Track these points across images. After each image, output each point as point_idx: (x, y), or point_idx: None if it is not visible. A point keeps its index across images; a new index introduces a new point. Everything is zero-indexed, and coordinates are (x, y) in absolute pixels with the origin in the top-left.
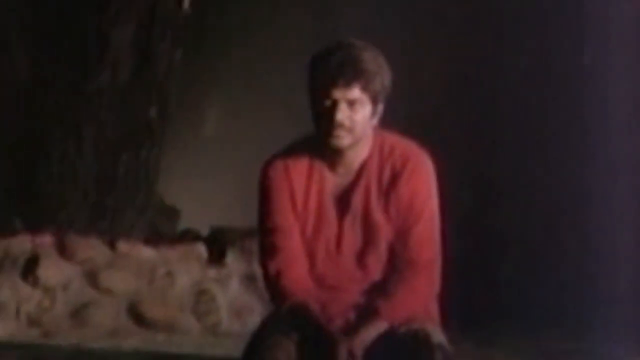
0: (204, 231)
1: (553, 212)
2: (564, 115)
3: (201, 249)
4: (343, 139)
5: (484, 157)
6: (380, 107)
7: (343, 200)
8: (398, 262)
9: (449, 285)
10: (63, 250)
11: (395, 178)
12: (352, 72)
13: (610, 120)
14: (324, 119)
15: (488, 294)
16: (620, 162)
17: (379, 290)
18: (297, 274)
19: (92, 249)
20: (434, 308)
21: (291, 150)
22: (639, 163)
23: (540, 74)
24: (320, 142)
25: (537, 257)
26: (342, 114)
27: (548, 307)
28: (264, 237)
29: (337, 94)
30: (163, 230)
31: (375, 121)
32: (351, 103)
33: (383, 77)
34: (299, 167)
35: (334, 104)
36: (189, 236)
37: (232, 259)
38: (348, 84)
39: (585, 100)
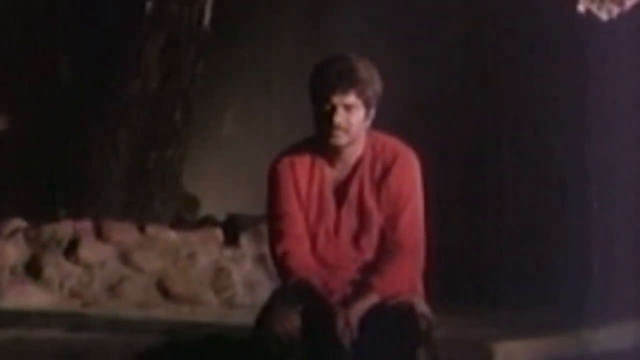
0: (221, 218)
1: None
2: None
3: (219, 233)
4: (341, 139)
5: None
6: (373, 111)
7: (341, 192)
8: (388, 245)
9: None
10: (100, 234)
11: (386, 172)
12: (348, 81)
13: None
14: (325, 121)
15: (470, 270)
16: (620, 147)
17: (372, 268)
18: (301, 254)
19: (125, 233)
20: (419, 284)
21: (296, 149)
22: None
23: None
24: (321, 142)
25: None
26: (340, 117)
27: (527, 280)
28: (273, 223)
29: (336, 100)
30: (186, 217)
31: (368, 123)
32: (348, 108)
33: (375, 85)
34: (303, 163)
35: (333, 109)
36: (208, 222)
37: (245, 241)
38: (345, 92)
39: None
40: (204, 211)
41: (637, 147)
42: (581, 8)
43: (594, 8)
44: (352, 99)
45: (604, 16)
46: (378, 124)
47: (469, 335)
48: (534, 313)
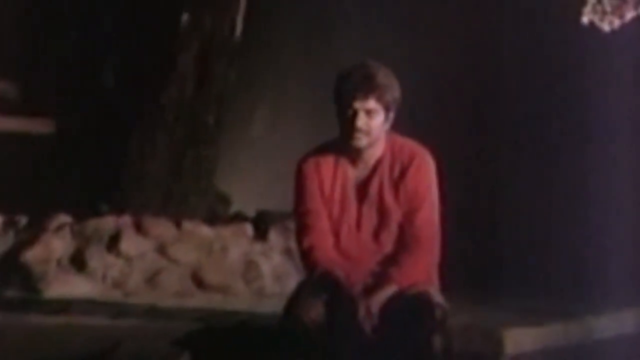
0: (251, 213)
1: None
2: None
3: (249, 228)
4: (362, 141)
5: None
6: (392, 115)
7: (362, 190)
8: (405, 239)
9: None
10: (140, 229)
11: (403, 172)
12: (368, 87)
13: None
14: (347, 125)
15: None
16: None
17: (391, 261)
18: (325, 248)
19: (162, 227)
20: (435, 275)
21: (320, 150)
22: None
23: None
24: (343, 143)
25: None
26: (361, 121)
27: (533, 271)
28: (299, 218)
29: (357, 105)
30: (218, 213)
31: (387, 126)
32: (368, 112)
33: (393, 91)
34: (327, 163)
35: (355, 113)
36: (239, 218)
37: (273, 236)
38: (365, 97)
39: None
40: (235, 207)
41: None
42: (585, 19)
43: (597, 19)
44: (372, 103)
45: (605, 27)
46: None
47: (480, 323)
48: (540, 301)
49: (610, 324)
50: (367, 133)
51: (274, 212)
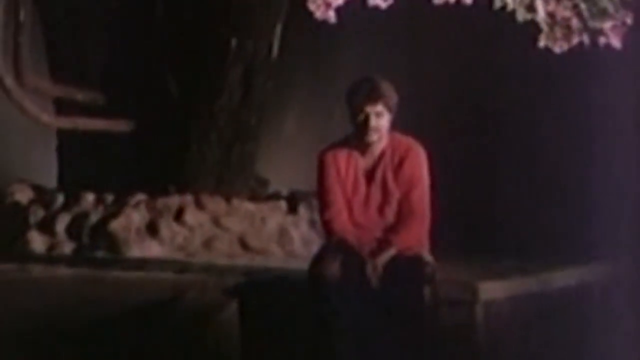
0: (285, 193)
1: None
2: None
3: (283, 204)
4: (374, 137)
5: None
6: (392, 117)
7: (369, 175)
8: (403, 212)
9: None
10: (199, 204)
11: (402, 161)
12: (376, 96)
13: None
14: (362, 125)
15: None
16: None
17: (391, 229)
18: (341, 220)
19: (216, 203)
20: (426, 240)
21: (337, 144)
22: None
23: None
24: (356, 139)
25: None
26: (373, 122)
27: (503, 234)
28: (321, 197)
29: (369, 109)
30: (259, 193)
31: (389, 125)
32: (377, 114)
33: (394, 97)
34: (342, 154)
35: (367, 116)
36: (275, 196)
37: (302, 210)
38: (375, 102)
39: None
40: (272, 188)
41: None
42: (541, 44)
43: (550, 44)
44: (380, 107)
45: (557, 50)
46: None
47: (460, 277)
48: (508, 260)
49: (559, 278)
50: (377, 130)
51: (302, 191)
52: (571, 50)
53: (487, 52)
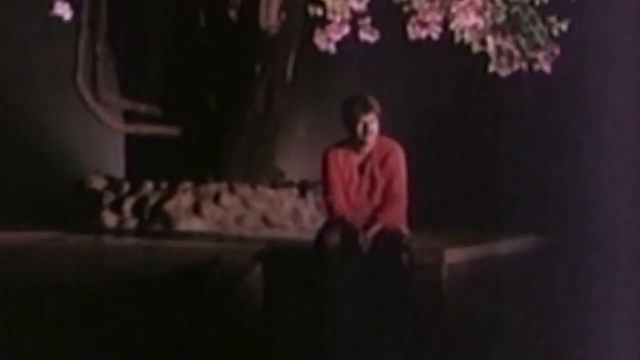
0: (297, 181)
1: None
2: None
3: (295, 190)
4: (369, 139)
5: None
6: (379, 123)
7: (361, 168)
8: (386, 197)
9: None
10: (232, 190)
11: (386, 157)
12: (370, 106)
13: None
14: (358, 131)
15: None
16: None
17: (378, 210)
18: (339, 202)
19: (245, 189)
20: (404, 217)
21: (336, 145)
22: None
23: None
24: (351, 140)
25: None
26: (370, 128)
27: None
28: (324, 184)
29: (365, 118)
30: (277, 181)
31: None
32: (370, 121)
33: (379, 108)
34: (340, 152)
35: (364, 124)
36: (289, 184)
37: (310, 195)
38: (368, 112)
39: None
40: (287, 178)
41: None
42: (491, 69)
43: (497, 69)
44: (372, 116)
45: (502, 74)
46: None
47: (430, 245)
48: (467, 231)
49: (506, 245)
50: (372, 134)
51: (310, 180)
52: (513, 74)
53: (452, 75)
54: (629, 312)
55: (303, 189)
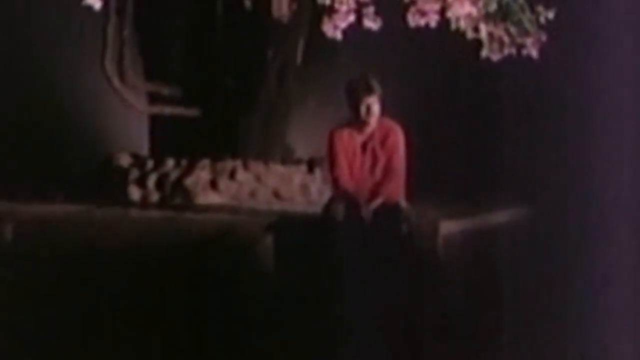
0: (306, 158)
1: None
2: None
3: (304, 167)
4: (371, 119)
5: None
6: (380, 104)
7: (363, 146)
8: (386, 171)
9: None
10: (246, 167)
11: (386, 137)
12: (372, 88)
13: None
14: (361, 112)
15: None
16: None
17: (378, 184)
18: (344, 178)
19: (258, 166)
20: (402, 192)
21: (341, 125)
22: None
23: None
24: (354, 121)
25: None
26: (372, 109)
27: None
28: (330, 161)
29: (368, 99)
30: (287, 158)
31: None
32: (372, 103)
33: (380, 90)
34: (345, 132)
35: (367, 105)
36: (299, 161)
37: (317, 171)
38: (370, 94)
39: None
40: (297, 155)
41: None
42: (483, 54)
43: (489, 54)
44: (374, 98)
45: (494, 58)
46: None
47: (427, 217)
48: (461, 204)
49: (498, 217)
50: (374, 115)
51: (318, 157)
52: (503, 59)
53: (448, 59)
54: (620, 277)
55: (311, 165)
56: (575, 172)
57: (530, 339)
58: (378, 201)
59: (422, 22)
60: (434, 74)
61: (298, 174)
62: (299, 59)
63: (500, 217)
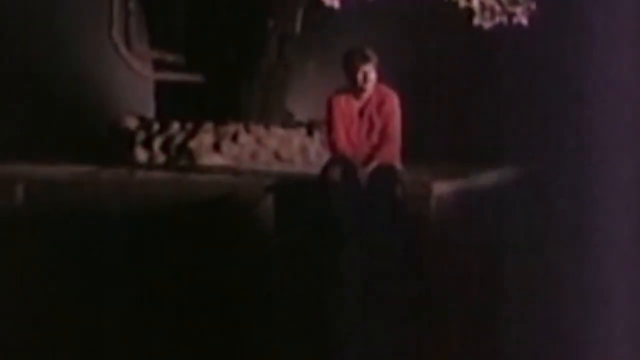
0: (304, 121)
1: None
2: None
3: (303, 129)
4: (367, 86)
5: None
6: (376, 72)
7: (361, 112)
8: (382, 137)
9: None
10: (247, 130)
11: (382, 103)
12: (368, 57)
13: None
14: (358, 79)
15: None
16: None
17: (375, 148)
18: (341, 141)
19: (258, 129)
20: (398, 155)
21: (339, 91)
22: None
23: None
24: (352, 87)
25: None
26: (369, 76)
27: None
28: (328, 126)
29: (364, 68)
30: (287, 121)
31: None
32: (369, 70)
33: (376, 59)
34: (343, 97)
35: (364, 73)
36: (298, 124)
37: (316, 134)
38: (367, 63)
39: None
40: (296, 119)
41: None
42: (475, 22)
43: (480, 22)
44: (370, 66)
45: (486, 25)
46: None
47: (420, 177)
48: (452, 165)
49: (484, 177)
50: (370, 82)
51: (317, 120)
52: (494, 27)
53: (441, 27)
54: (616, 232)
55: (310, 128)
56: (564, 132)
57: (524, 298)
58: (374, 164)
59: None
60: (428, 41)
61: (297, 137)
62: (298, 27)
63: (489, 177)
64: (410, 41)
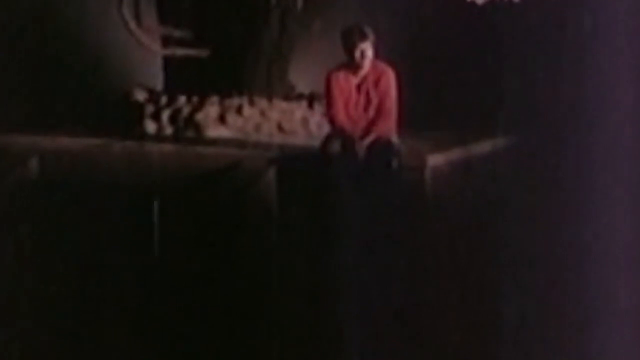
0: (306, 93)
1: None
2: None
3: (305, 102)
4: (365, 62)
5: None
6: (373, 49)
7: (358, 87)
8: (379, 110)
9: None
10: (251, 103)
11: (379, 78)
12: (365, 34)
13: None
14: (356, 56)
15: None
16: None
17: (372, 122)
18: (341, 116)
19: (262, 102)
20: (394, 129)
21: (338, 67)
22: None
23: None
24: (350, 64)
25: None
26: (366, 53)
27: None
28: (327, 100)
29: (362, 45)
30: (289, 94)
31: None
32: (366, 48)
33: (373, 36)
34: (341, 73)
35: (361, 50)
36: (300, 96)
37: (317, 106)
38: (364, 40)
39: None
40: (298, 90)
41: None
42: None
43: None
44: (367, 44)
45: (479, 1)
46: None
47: (415, 149)
48: (447, 136)
49: (478, 147)
50: (367, 58)
51: (317, 92)
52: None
53: (435, 3)
54: (614, 202)
55: (311, 101)
56: (558, 103)
57: (520, 268)
58: (371, 137)
59: None
60: (423, 15)
61: (299, 109)
62: (300, 4)
63: (479, 148)
64: (406, 17)
